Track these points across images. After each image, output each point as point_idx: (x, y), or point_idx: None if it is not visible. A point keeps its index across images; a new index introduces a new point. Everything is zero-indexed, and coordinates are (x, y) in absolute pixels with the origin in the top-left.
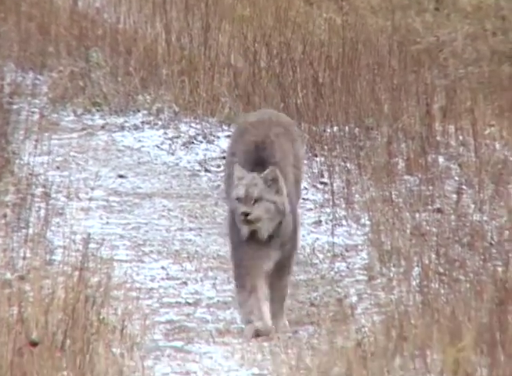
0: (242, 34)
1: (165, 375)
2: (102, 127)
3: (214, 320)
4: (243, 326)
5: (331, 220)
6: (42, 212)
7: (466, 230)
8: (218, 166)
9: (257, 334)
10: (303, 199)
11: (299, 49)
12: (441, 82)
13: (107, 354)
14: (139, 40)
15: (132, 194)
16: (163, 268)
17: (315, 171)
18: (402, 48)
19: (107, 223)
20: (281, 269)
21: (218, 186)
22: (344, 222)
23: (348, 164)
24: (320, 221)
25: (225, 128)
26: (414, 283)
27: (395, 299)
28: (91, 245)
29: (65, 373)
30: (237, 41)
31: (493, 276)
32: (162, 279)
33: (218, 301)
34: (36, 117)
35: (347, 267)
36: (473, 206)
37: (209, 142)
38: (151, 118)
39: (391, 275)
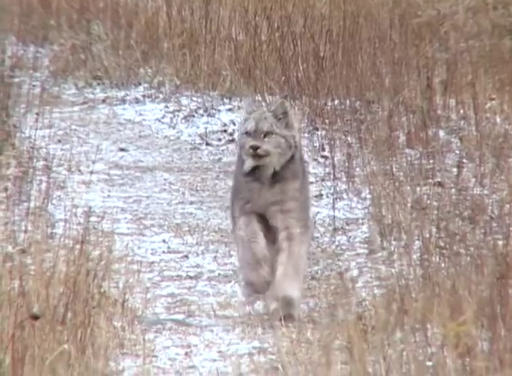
0: (243, 8)
1: (166, 348)
2: (104, 100)
3: (215, 294)
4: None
5: (332, 194)
6: (43, 186)
7: (467, 204)
8: (219, 139)
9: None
10: None
11: (300, 23)
12: (442, 56)
13: (108, 327)
14: (140, 13)
15: (133, 168)
16: (164, 241)
17: (316, 144)
18: (402, 22)
19: (108, 197)
20: (292, 233)
21: (219, 159)
22: (344, 196)
23: (349, 138)
24: (321, 194)
25: (226, 101)
26: (415, 256)
27: (396, 273)
28: (93, 218)
29: (66, 346)
30: (238, 15)
31: (494, 250)
32: (163, 252)
33: (219, 274)
34: (37, 90)
35: (348, 241)
36: (473, 180)
37: (210, 115)
38: (152, 92)
39: (392, 248)
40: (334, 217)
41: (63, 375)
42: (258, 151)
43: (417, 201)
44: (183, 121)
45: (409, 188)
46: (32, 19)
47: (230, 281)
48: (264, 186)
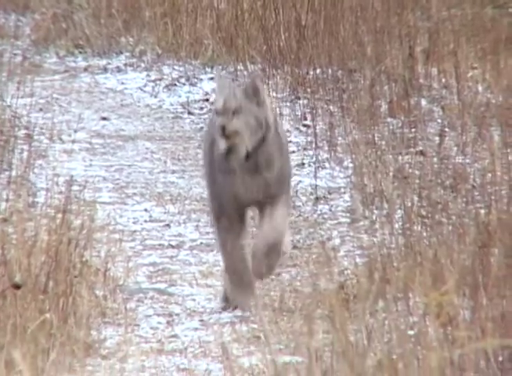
0: None
1: (148, 317)
2: (85, 69)
3: (197, 263)
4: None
5: (314, 162)
6: (25, 154)
7: (449, 173)
8: (201, 108)
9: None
10: None
11: None
12: (424, 24)
13: (90, 296)
14: None
15: (115, 136)
16: (146, 210)
17: (298, 113)
18: None
19: (90, 165)
20: (274, 203)
21: (201, 128)
22: (326, 165)
23: (331, 107)
24: (303, 163)
25: (208, 70)
26: (397, 225)
27: (378, 242)
28: (74, 187)
29: (48, 315)
30: None
31: (476, 219)
32: (145, 221)
33: (201, 243)
34: (18, 59)
35: (330, 210)
36: (455, 149)
37: (192, 84)
38: (134, 60)
39: (374, 217)
40: (316, 186)
41: (45, 344)
42: (226, 131)
43: (399, 170)
44: (165, 89)
45: (391, 157)
46: None
47: (212, 250)
48: (241, 177)
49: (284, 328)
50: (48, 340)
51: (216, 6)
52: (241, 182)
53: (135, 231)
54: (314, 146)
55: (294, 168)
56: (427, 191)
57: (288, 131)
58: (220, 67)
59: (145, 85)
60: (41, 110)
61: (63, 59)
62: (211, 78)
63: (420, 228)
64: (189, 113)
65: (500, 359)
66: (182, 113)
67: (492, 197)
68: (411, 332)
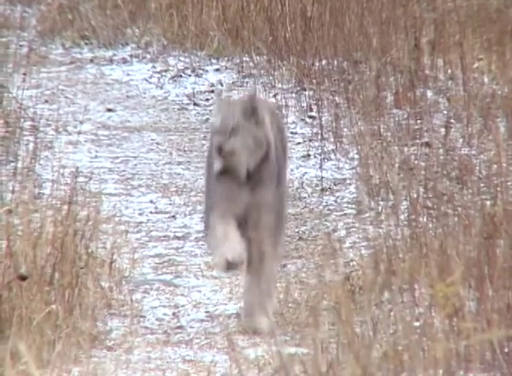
0: None
1: (153, 309)
2: (91, 60)
3: (202, 254)
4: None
5: (320, 154)
6: (31, 146)
7: (455, 164)
8: (207, 100)
9: (229, 266)
10: (291, 133)
11: None
12: (430, 15)
13: (96, 288)
14: None
15: (121, 128)
16: (151, 202)
17: (304, 105)
18: None
19: (96, 157)
20: (264, 240)
21: (207, 119)
22: (332, 156)
23: (337, 98)
24: (309, 155)
25: (214, 61)
26: (402, 217)
27: (383, 233)
28: (80, 179)
29: (54, 306)
30: None
31: (481, 210)
32: (151, 212)
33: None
34: (24, 50)
35: (336, 201)
36: (461, 140)
37: (197, 75)
38: (140, 52)
39: (380, 209)
40: (322, 177)
41: (51, 336)
42: (222, 151)
43: (405, 161)
44: (170, 81)
45: (396, 148)
46: None
47: None
48: (240, 188)
49: (290, 320)
50: (53, 331)
51: None
52: (238, 193)
53: (140, 222)
54: (320, 137)
55: (300, 159)
56: (433, 182)
57: (294, 122)
58: (226, 59)
59: (150, 77)
60: (46, 101)
61: (69, 50)
62: (217, 70)
63: (425, 219)
64: (195, 104)
65: (506, 350)
66: (187, 104)
67: (498, 189)
68: (417, 323)
